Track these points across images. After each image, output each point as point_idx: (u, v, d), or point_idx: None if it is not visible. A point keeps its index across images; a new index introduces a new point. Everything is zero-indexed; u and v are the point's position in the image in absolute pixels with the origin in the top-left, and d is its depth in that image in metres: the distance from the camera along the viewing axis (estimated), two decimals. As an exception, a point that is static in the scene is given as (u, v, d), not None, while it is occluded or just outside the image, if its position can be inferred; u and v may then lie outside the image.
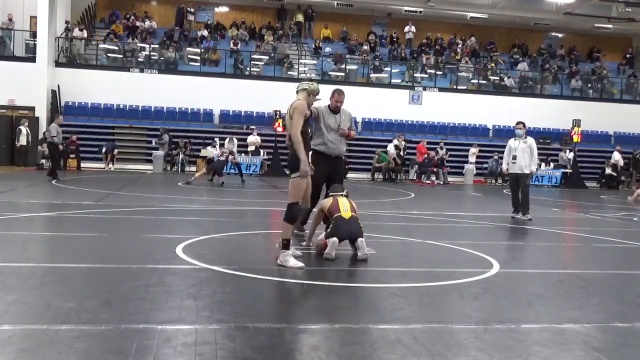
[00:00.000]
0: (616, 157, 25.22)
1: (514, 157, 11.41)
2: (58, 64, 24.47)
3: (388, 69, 28.65)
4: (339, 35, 31.04)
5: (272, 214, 10.83)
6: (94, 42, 26.92)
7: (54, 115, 17.34)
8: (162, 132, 23.13)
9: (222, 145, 22.00)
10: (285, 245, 5.76)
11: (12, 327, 3.62)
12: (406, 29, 30.52)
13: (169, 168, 23.04)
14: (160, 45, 26.64)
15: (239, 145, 23.12)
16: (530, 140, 11.52)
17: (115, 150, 22.72)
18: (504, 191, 20.70)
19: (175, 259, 5.90)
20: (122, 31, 27.44)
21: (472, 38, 31.14)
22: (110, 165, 22.49)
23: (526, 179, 11.51)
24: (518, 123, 11.71)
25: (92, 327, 3.62)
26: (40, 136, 22.75)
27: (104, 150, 22.63)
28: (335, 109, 7.75)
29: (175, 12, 29.42)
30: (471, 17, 31.04)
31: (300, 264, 5.69)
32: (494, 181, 24.97)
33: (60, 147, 16.25)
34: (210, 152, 22.10)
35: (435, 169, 23.58)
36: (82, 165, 22.14)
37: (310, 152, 7.26)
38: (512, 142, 11.65)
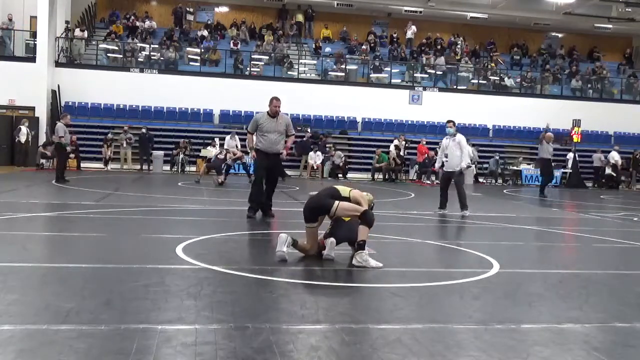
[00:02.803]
0: (615, 157, 25.17)
1: (446, 156, 11.72)
2: (58, 64, 24.47)
3: (388, 69, 28.64)
4: (339, 35, 31.04)
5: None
6: (93, 42, 26.93)
7: (62, 114, 16.84)
8: (126, 130, 22.95)
9: (222, 145, 21.93)
10: (362, 246, 5.93)
11: (12, 327, 3.62)
12: (409, 33, 30.45)
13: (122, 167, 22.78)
14: (160, 45, 26.64)
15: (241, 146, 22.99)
16: (459, 137, 11.64)
17: (110, 151, 22.71)
18: (504, 191, 20.70)
19: (175, 259, 5.90)
20: (122, 31, 27.43)
21: (460, 39, 31.12)
22: (109, 166, 22.54)
23: (458, 176, 11.66)
24: (448, 121, 11.92)
25: (92, 327, 3.62)
26: (42, 136, 22.76)
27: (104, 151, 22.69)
28: (274, 114, 9.51)
29: (172, 12, 29.33)
30: (471, 17, 31.03)
31: (380, 264, 5.88)
32: (493, 181, 24.98)
33: (68, 148, 15.72)
34: (210, 151, 22.10)
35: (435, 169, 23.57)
36: (82, 165, 22.14)
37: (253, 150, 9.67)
38: (444, 141, 11.94)
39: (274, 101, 9.61)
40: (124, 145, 22.78)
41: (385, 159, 23.46)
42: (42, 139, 22.66)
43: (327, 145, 23.79)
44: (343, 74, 27.72)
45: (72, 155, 21.77)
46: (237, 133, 22.51)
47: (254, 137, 9.79)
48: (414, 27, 30.51)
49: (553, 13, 30.02)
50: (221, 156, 18.69)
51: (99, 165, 22.66)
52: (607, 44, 33.09)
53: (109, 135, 22.84)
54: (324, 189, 6.42)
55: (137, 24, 27.92)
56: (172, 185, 16.79)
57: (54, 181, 15.36)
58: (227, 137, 22.28)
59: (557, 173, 25.38)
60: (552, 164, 18.71)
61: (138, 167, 22.73)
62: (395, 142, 23.98)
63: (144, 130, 22.81)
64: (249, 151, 10.13)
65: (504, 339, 3.76)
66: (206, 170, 18.39)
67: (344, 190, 6.30)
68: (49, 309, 4.00)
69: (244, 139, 23.54)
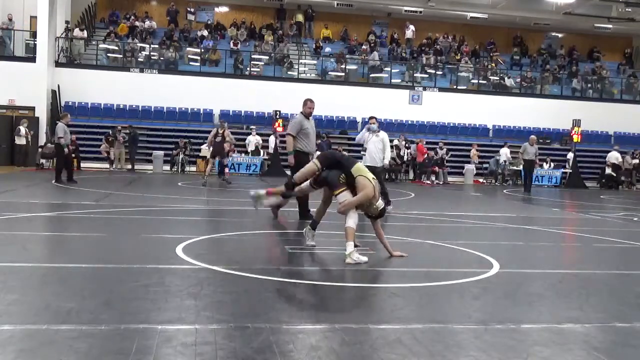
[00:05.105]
0: (620, 158, 25.14)
1: (365, 150, 11.66)
2: (58, 64, 24.47)
3: (388, 69, 28.64)
4: (339, 35, 31.04)
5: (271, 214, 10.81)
6: (93, 42, 26.93)
7: (62, 114, 16.64)
8: (120, 129, 22.80)
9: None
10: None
11: (12, 327, 3.61)
12: (408, 33, 30.43)
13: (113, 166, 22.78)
14: (160, 45, 26.63)
15: (236, 146, 22.80)
16: (383, 134, 11.67)
17: (113, 151, 22.70)
18: (504, 191, 20.70)
19: (175, 259, 5.90)
20: (127, 31, 27.38)
21: (449, 37, 31.16)
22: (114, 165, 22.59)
23: (380, 172, 11.50)
24: (371, 118, 11.93)
25: (92, 327, 3.62)
26: (42, 136, 22.76)
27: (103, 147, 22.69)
28: (308, 115, 9.66)
29: (166, 13, 29.18)
30: (471, 17, 31.05)
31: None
32: (493, 181, 24.98)
33: (66, 150, 15.59)
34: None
35: (436, 169, 23.59)
36: (82, 165, 22.13)
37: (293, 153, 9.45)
38: (365, 135, 11.76)
39: (308, 102, 9.72)
40: (117, 144, 22.81)
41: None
42: (42, 139, 22.67)
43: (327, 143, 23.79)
44: (343, 74, 27.72)
45: (72, 155, 21.77)
46: (235, 135, 22.50)
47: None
48: (412, 27, 30.49)
49: (553, 13, 30.03)
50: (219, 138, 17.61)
51: (99, 165, 22.65)
52: (607, 44, 33.09)
53: (111, 132, 22.78)
54: (348, 158, 6.56)
55: (137, 24, 27.91)
56: (172, 185, 16.79)
57: (53, 181, 15.35)
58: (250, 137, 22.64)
59: (557, 173, 25.43)
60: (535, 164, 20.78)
61: (129, 166, 22.69)
62: (395, 141, 23.99)
63: (127, 131, 22.66)
64: (289, 155, 9.56)
65: (504, 339, 3.76)
66: (210, 165, 18.03)
67: (355, 171, 6.29)
68: (49, 309, 4.00)
69: (241, 141, 23.67)
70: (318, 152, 9.62)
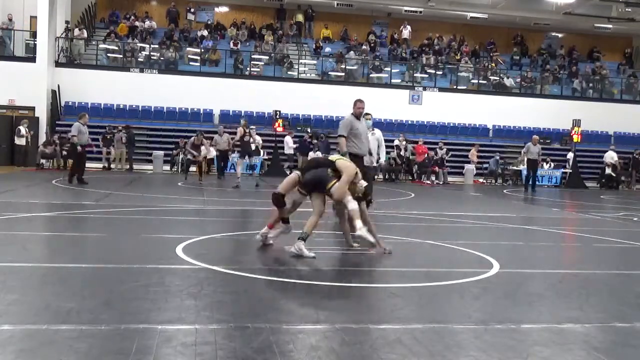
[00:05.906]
0: (615, 157, 25.16)
1: None
2: (58, 64, 24.47)
3: (388, 69, 28.64)
4: (339, 35, 31.04)
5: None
6: (93, 42, 26.93)
7: (80, 114, 16.49)
8: (120, 129, 22.60)
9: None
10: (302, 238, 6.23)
11: (12, 327, 3.61)
12: (404, 33, 30.41)
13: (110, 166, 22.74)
14: (160, 45, 26.62)
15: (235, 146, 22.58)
16: (378, 131, 11.30)
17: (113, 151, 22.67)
18: (504, 191, 20.69)
19: (175, 259, 5.90)
20: (127, 32, 27.36)
21: (443, 38, 31.19)
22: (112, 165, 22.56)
23: (374, 171, 11.20)
24: (366, 114, 11.23)
25: (92, 327, 3.62)
26: (42, 136, 22.75)
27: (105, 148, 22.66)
28: (358, 115, 9.33)
29: (166, 13, 29.11)
30: (471, 17, 31.03)
31: (312, 254, 6.11)
32: (493, 181, 24.98)
33: (79, 148, 15.21)
34: (211, 151, 21.98)
35: (436, 169, 23.59)
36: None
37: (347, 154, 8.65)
38: None
39: (358, 103, 9.45)
40: (118, 144, 22.78)
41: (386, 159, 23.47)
42: (42, 138, 22.66)
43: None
44: (343, 74, 27.71)
45: (85, 156, 21.58)
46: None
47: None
48: (409, 27, 30.47)
49: (553, 13, 30.02)
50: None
51: (98, 165, 22.61)
52: (607, 44, 33.07)
53: (107, 130, 22.74)
54: (323, 156, 6.80)
55: (137, 24, 27.90)
56: (172, 185, 16.79)
57: (67, 180, 15.15)
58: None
59: (557, 173, 25.43)
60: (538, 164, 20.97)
61: (127, 166, 22.66)
62: (396, 142, 23.99)
63: (124, 131, 22.61)
64: (344, 155, 8.74)
65: (504, 339, 3.76)
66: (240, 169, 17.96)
67: (333, 158, 6.71)
68: (49, 309, 4.00)
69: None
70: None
